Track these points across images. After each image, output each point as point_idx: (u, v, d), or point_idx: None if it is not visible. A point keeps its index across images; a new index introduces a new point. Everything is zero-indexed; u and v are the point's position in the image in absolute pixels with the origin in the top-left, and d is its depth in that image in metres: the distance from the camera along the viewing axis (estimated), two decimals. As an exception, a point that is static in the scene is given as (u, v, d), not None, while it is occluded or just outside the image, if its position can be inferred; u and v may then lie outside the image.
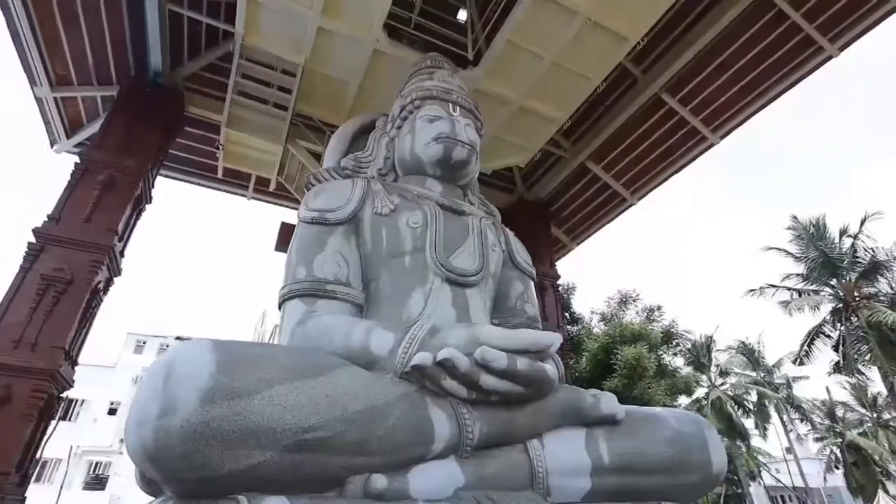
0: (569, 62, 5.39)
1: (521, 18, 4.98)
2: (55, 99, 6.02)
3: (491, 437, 2.02)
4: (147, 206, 5.91)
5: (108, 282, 5.22)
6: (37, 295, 4.33)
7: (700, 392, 21.96)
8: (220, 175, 6.99)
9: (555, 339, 2.12)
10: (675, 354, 13.28)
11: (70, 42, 5.51)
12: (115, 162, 5.24)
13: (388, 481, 1.68)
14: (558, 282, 8.26)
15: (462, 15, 6.99)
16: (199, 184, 7.40)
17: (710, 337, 23.13)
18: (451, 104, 3.56)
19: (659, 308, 13.10)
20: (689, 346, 21.65)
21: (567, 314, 12.20)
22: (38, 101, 6.03)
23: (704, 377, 21.50)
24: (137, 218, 5.75)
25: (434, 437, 1.86)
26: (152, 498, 1.80)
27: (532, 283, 3.53)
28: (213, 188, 7.38)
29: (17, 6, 4.84)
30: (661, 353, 12.18)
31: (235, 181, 7.45)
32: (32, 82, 5.82)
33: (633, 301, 12.81)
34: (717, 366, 23.36)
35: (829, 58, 5.66)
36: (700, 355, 22.00)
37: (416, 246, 2.80)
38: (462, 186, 3.54)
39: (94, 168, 5.12)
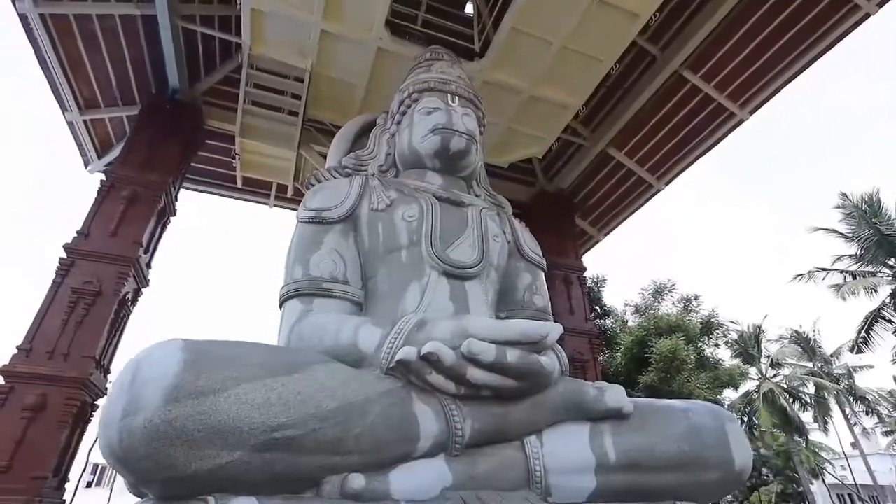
0: (578, 45, 5.19)
1: (525, 4, 4.83)
2: (84, 122, 6.33)
3: (484, 434, 1.92)
4: (171, 217, 6.12)
5: (137, 293, 5.42)
6: (68, 307, 4.55)
7: (750, 385, 20.85)
8: (239, 184, 7.17)
9: (549, 329, 2.00)
10: (717, 346, 12.61)
11: (93, 66, 5.78)
12: (137, 177, 5.45)
13: (366, 481, 1.61)
14: (584, 274, 7.99)
15: (469, 9, 6.90)
16: (221, 194, 7.62)
17: (759, 326, 21.93)
18: (449, 95, 3.49)
19: (696, 298, 12.46)
20: (735, 336, 20.61)
21: (598, 307, 11.80)
22: (70, 124, 6.37)
23: (754, 369, 20.39)
24: (163, 230, 5.96)
25: (419, 434, 1.78)
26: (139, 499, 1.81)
27: (542, 274, 3.40)
28: (236, 198, 7.58)
29: (41, 33, 5.10)
30: (700, 344, 11.58)
31: (256, 189, 7.62)
32: (63, 107, 6.15)
33: (669, 291, 12.25)
34: (768, 357, 22.10)
35: (867, 15, 5.20)
36: (748, 346, 20.87)
37: (412, 240, 2.74)
38: (465, 178, 3.45)
39: (119, 184, 5.34)
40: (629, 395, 2.21)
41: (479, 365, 1.86)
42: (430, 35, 5.82)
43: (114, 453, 1.42)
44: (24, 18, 4.99)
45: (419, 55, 4.17)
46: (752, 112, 6.27)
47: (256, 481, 1.50)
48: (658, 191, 7.83)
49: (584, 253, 9.47)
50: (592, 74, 5.56)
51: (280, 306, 2.70)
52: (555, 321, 7.36)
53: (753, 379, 21.22)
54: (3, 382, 4.17)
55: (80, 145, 6.68)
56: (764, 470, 22.66)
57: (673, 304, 12.09)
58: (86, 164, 6.91)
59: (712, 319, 12.19)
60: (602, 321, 11.67)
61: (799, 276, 17.31)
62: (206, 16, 5.87)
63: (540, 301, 3.21)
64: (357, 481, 1.60)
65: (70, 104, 6.04)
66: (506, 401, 1.98)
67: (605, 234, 9.12)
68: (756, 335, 21.87)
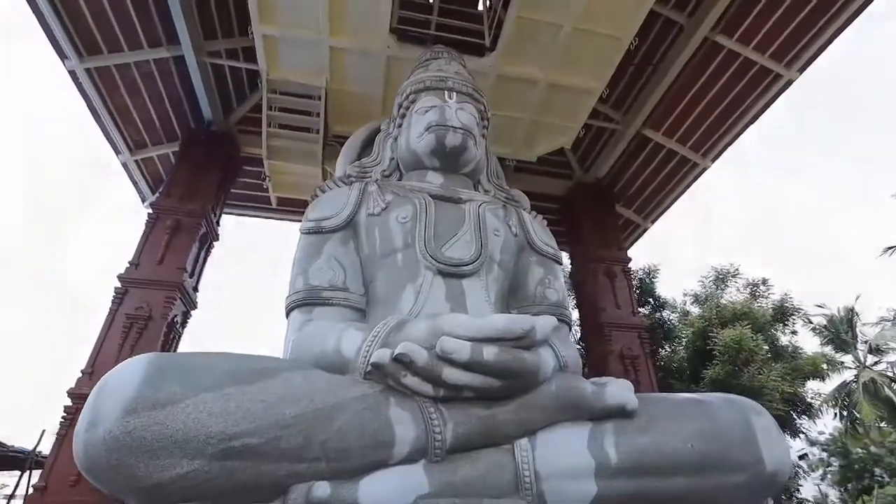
0: (590, 25, 4.95)
1: (528, -10, 4.68)
2: (136, 161, 6.89)
3: (469, 438, 1.81)
4: (214, 242, 6.49)
5: (186, 315, 5.79)
6: (123, 332, 4.93)
7: (846, 375, 18.69)
8: (274, 205, 7.48)
9: (535, 322, 1.86)
10: (794, 333, 11.38)
11: (137, 109, 6.28)
12: (179, 207, 5.84)
13: (332, 489, 1.56)
14: (632, 265, 7.55)
15: (482, 6, 6.80)
16: (260, 216, 8.00)
17: (851, 309, 19.64)
18: (445, 91, 3.43)
19: (764, 282, 11.28)
20: (823, 322, 18.59)
21: (651, 299, 11.07)
22: (124, 166, 6.95)
23: (849, 357, 18.27)
24: (207, 254, 6.33)
25: (394, 440, 1.70)
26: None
27: (557, 267, 3.21)
28: (274, 218, 7.92)
29: (89, 86, 5.63)
30: (775, 332, 10.49)
31: (291, 209, 7.90)
32: (116, 151, 6.73)
33: (732, 277, 11.20)
34: (866, 342, 19.72)
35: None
36: (840, 332, 18.74)
37: (407, 241, 2.69)
38: (469, 175, 3.36)
39: (163, 215, 5.75)
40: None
41: (455, 364, 1.76)
42: (441, 36, 5.79)
43: (81, 464, 1.47)
44: (72, 74, 5.52)
45: (419, 56, 4.15)
46: (800, 70, 5.65)
47: (221, 490, 1.50)
48: (704, 169, 7.25)
49: (631, 243, 8.97)
50: (611, 53, 5.27)
51: (286, 317, 2.74)
52: (599, 316, 6.96)
53: (850, 368, 19.03)
54: (70, 404, 4.58)
55: (134, 183, 7.27)
56: (877, 470, 20.18)
57: (738, 290, 11.07)
58: (142, 200, 7.50)
59: (786, 304, 11.03)
60: (659, 313, 10.92)
61: (890, 248, 15.39)
62: (231, 49, 6.21)
63: (553, 295, 3.02)
64: (322, 489, 1.55)
65: (121, 147, 6.60)
66: (492, 402, 1.86)
67: (653, 222, 8.57)
68: (849, 318, 19.58)
